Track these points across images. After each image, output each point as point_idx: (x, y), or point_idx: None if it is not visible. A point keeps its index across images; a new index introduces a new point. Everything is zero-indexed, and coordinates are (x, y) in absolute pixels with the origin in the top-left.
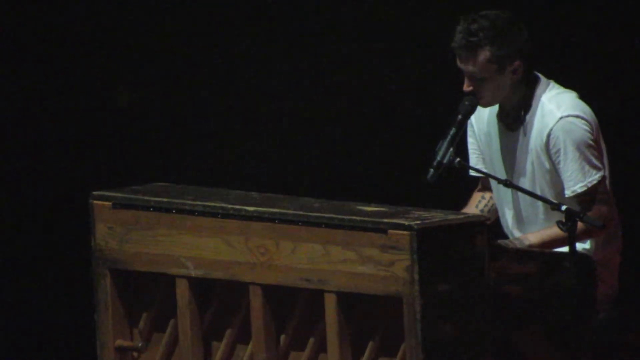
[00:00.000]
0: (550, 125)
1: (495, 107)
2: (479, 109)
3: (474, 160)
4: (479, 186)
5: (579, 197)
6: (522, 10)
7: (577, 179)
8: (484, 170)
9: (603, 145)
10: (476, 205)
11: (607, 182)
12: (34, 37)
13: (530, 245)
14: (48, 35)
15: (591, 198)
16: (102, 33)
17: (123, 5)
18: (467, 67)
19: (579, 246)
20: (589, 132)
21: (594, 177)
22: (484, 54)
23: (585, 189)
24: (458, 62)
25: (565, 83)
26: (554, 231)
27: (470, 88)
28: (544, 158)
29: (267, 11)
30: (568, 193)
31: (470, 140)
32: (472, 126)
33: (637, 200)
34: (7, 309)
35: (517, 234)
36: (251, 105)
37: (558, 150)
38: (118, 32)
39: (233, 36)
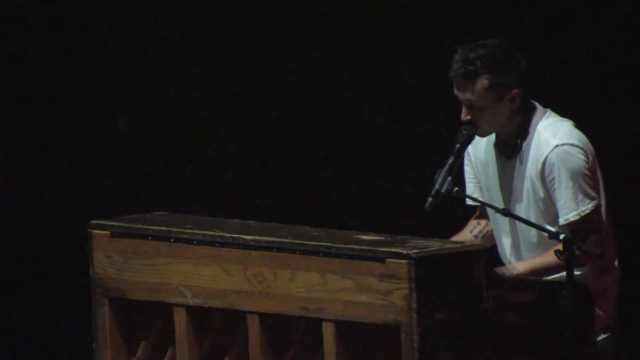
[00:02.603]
0: (546, 153)
1: (492, 136)
2: (477, 137)
3: (471, 188)
4: (477, 213)
5: (572, 226)
6: (519, 39)
7: (570, 207)
8: (481, 199)
9: (599, 174)
10: (470, 230)
11: (603, 210)
12: (32, 66)
13: (518, 275)
14: (47, 64)
15: (584, 227)
16: (101, 62)
17: (123, 35)
18: (465, 96)
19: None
20: (584, 161)
21: (587, 206)
22: (482, 82)
23: (578, 217)
24: (456, 91)
25: (562, 112)
26: (541, 260)
27: (469, 117)
28: (539, 186)
29: (266, 39)
30: (562, 221)
31: (467, 169)
32: (469, 155)
33: (635, 229)
34: (7, 338)
35: (514, 261)
36: (250, 133)
37: (553, 179)
38: (117, 61)
39: (231, 65)
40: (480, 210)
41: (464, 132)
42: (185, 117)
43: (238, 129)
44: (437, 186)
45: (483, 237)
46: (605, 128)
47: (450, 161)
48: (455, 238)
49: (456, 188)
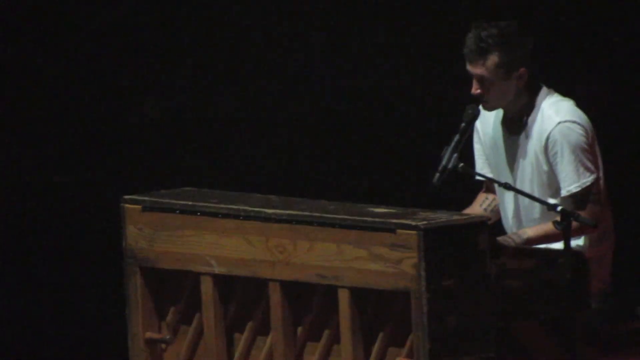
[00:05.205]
0: (549, 129)
1: (500, 113)
2: (485, 115)
3: (480, 165)
4: (484, 188)
5: (574, 197)
6: (527, 22)
7: (572, 179)
8: (487, 174)
9: (598, 150)
10: (480, 204)
11: (602, 183)
12: (67, 47)
13: (528, 238)
14: (80, 46)
15: (585, 198)
16: (133, 43)
17: (152, 17)
18: (476, 70)
19: (573, 243)
20: (585, 137)
21: (588, 178)
22: (492, 59)
23: (579, 189)
24: (468, 66)
25: (564, 92)
26: (551, 227)
27: (479, 91)
28: (542, 160)
29: (287, 23)
30: (564, 193)
31: (476, 146)
32: (477, 132)
33: (629, 201)
34: (47, 305)
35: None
36: (270, 112)
37: (555, 153)
38: (148, 42)
39: (256, 47)
40: (487, 185)
41: (470, 111)
42: (214, 95)
43: (259, 108)
44: (444, 162)
45: (492, 210)
46: (603, 107)
47: (456, 139)
48: (466, 211)
49: (461, 164)
